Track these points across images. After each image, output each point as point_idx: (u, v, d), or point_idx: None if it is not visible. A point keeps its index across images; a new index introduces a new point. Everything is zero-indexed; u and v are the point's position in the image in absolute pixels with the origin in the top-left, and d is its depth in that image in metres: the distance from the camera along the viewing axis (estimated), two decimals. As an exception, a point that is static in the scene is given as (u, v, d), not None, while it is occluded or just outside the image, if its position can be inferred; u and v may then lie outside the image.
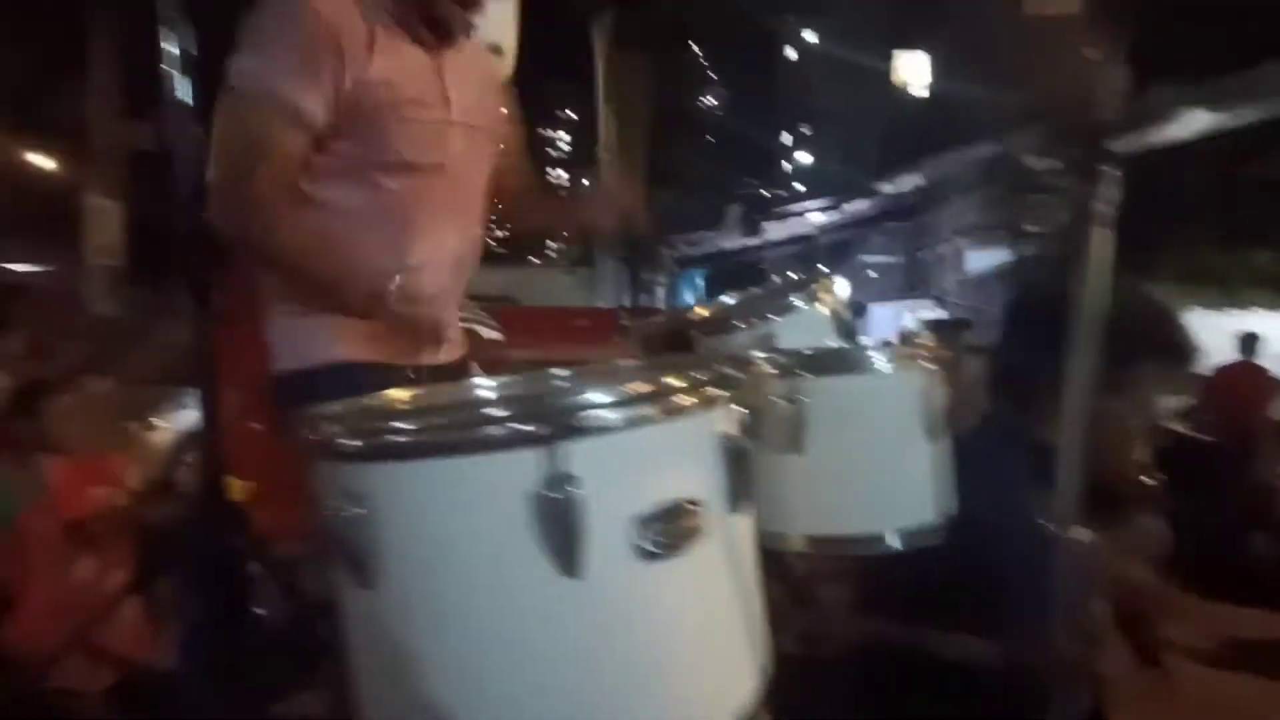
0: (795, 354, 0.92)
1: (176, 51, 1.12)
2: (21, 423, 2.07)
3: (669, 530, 0.55)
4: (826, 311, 1.24)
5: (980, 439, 1.02)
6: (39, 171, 10.43)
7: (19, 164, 10.09)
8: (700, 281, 15.17)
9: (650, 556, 0.54)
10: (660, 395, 0.56)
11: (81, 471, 2.12)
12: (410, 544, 0.54)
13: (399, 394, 0.75)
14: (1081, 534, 0.76)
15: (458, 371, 1.29)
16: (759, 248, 16.21)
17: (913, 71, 16.24)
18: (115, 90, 7.90)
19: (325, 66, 1.00)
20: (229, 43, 1.02)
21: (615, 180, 1.32)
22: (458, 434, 0.52)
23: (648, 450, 0.56)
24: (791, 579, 0.96)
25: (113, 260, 7.90)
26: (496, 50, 1.55)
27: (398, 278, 1.06)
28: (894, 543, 0.89)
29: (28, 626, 1.90)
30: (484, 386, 0.76)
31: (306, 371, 1.12)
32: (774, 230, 15.90)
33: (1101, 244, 0.73)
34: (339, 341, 1.11)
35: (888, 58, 16.19)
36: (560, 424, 0.51)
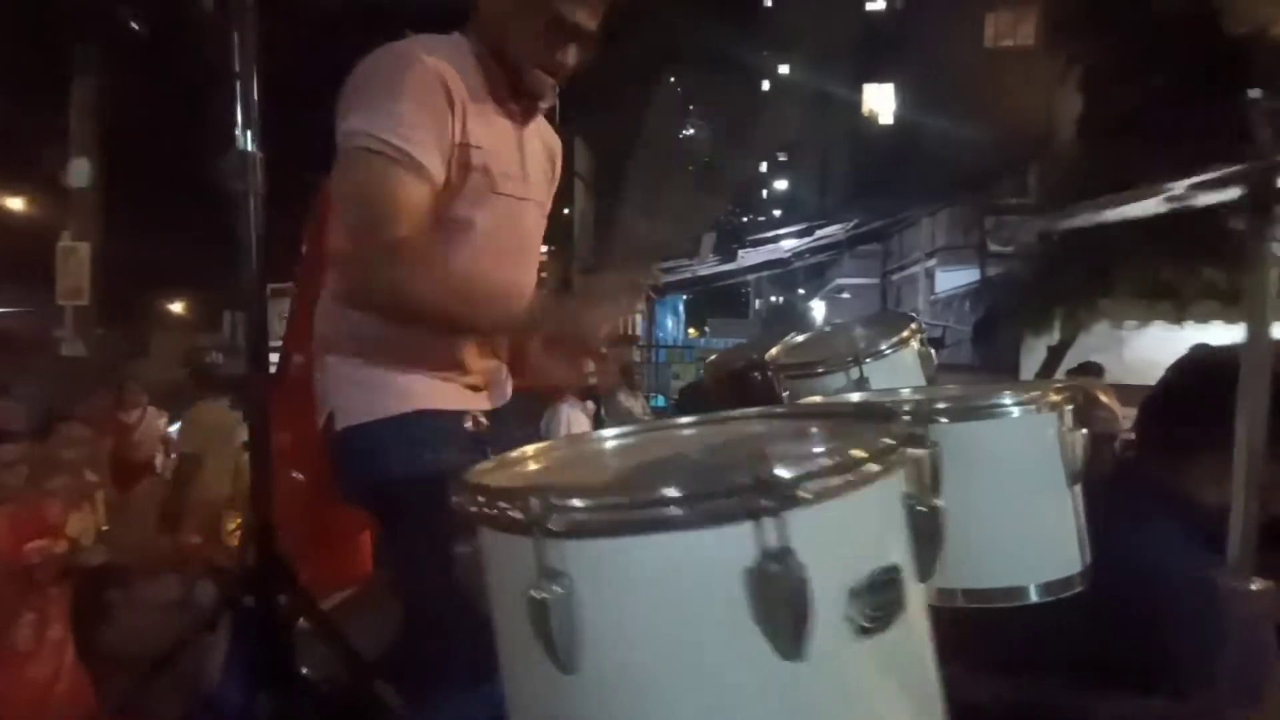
0: (923, 399, 0.87)
1: (241, 103, 1.13)
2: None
3: (879, 602, 0.50)
4: (913, 355, 1.21)
5: (1135, 488, 0.98)
6: (13, 215, 10.17)
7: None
8: (681, 308, 15.30)
9: (863, 632, 0.49)
10: (868, 459, 0.51)
11: (20, 522, 1.98)
12: (615, 625, 0.49)
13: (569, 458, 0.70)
14: (1258, 584, 0.72)
15: (505, 414, 1.26)
16: (735, 273, 16.44)
17: (880, 102, 16.89)
18: (92, 133, 7.79)
19: (443, 124, 0.99)
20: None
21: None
22: (670, 510, 0.47)
23: (858, 518, 0.51)
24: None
25: (82, 301, 7.67)
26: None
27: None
28: (1035, 595, 0.84)
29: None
30: (696, 453, 0.71)
31: (380, 422, 1.07)
32: (750, 256, 16.19)
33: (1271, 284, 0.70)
34: (409, 392, 1.08)
35: (858, 90, 16.84)
36: (780, 495, 0.47)
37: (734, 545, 0.46)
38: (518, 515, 0.49)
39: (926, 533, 0.55)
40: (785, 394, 1.31)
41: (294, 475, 1.37)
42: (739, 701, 0.48)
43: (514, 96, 1.09)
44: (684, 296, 15.67)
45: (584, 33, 1.06)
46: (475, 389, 1.18)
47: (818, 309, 18.57)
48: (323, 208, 1.48)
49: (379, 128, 0.96)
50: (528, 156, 1.13)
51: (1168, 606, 0.82)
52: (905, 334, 1.23)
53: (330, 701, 1.26)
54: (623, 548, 0.48)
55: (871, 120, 17.21)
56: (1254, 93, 0.67)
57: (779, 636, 0.46)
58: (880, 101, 17.03)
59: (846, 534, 0.50)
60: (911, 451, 0.55)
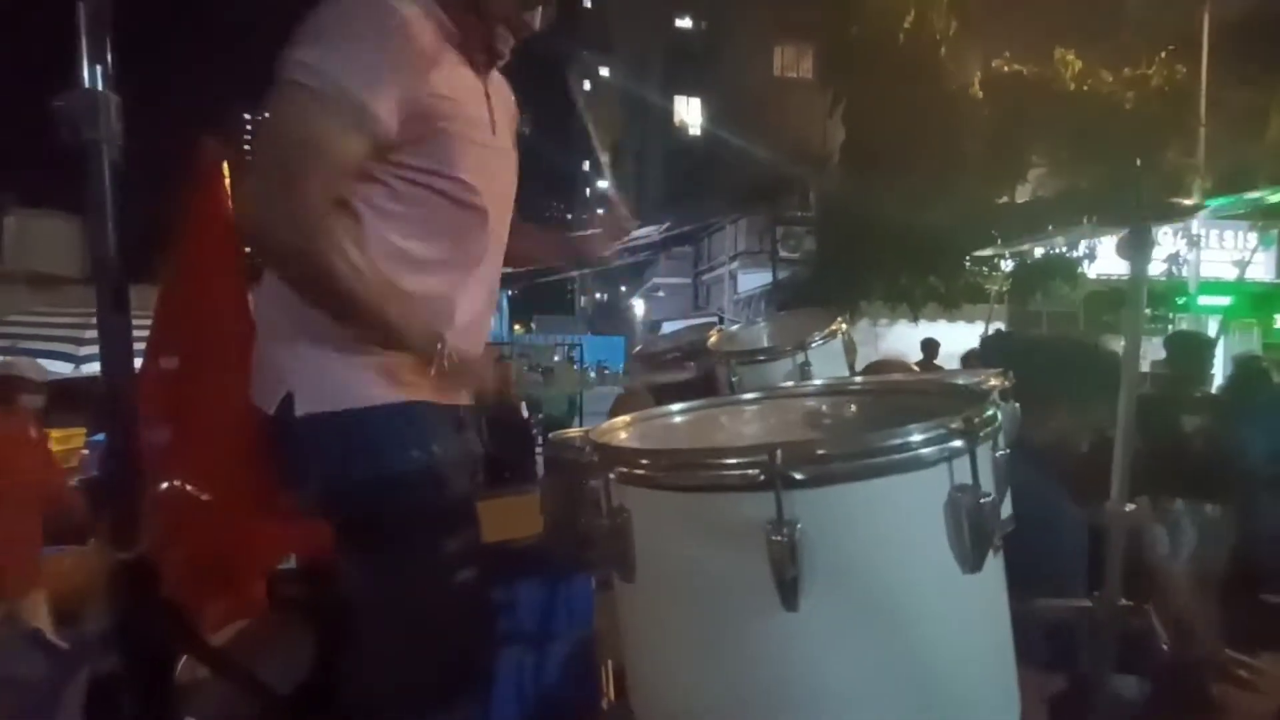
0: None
1: (87, 32, 0.89)
2: None
3: (1001, 529, 0.65)
4: (840, 344, 1.39)
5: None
6: None
7: None
8: (505, 304, 14.87)
9: (995, 550, 0.64)
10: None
11: None
12: (833, 560, 0.57)
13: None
14: (1131, 506, 0.99)
15: (478, 409, 1.20)
16: (559, 269, 16.43)
17: (689, 114, 18.23)
18: None
19: (403, 74, 0.93)
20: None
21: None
22: (888, 457, 0.56)
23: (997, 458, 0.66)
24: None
25: None
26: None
27: (448, 340, 0.99)
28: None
29: None
30: (907, 399, 0.79)
31: (364, 411, 0.98)
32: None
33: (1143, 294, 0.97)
34: (412, 381, 1.00)
35: (671, 100, 17.96)
36: (974, 435, 0.59)
37: (932, 483, 0.58)
38: (755, 472, 0.55)
39: (1004, 476, 0.69)
40: (735, 380, 1.42)
41: (201, 497, 1.12)
42: (930, 609, 0.59)
43: (481, 47, 1.07)
44: (509, 292, 15.28)
45: None
46: (461, 385, 1.09)
47: (638, 306, 19.41)
48: (210, 177, 1.23)
49: (334, 68, 0.88)
50: (495, 105, 1.12)
51: (1058, 530, 1.08)
52: (833, 326, 1.43)
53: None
54: (844, 493, 0.57)
55: (683, 130, 18.46)
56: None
57: (965, 554, 0.58)
58: (689, 113, 18.37)
59: (1000, 477, 0.65)
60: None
